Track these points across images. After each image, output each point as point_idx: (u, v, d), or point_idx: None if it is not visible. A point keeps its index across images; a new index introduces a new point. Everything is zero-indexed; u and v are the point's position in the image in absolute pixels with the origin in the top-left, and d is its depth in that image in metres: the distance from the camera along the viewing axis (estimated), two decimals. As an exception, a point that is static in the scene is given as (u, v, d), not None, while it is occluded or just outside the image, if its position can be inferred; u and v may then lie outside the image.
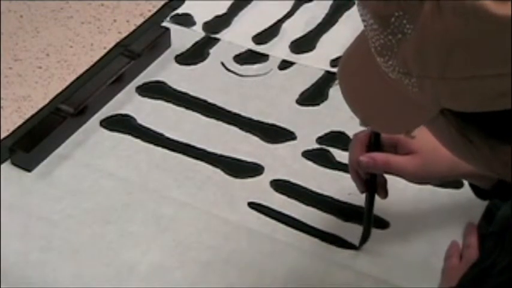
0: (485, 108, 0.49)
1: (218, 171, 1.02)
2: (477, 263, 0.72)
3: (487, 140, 0.52)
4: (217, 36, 1.22)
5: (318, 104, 1.11)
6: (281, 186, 1.00)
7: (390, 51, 0.51)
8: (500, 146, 0.52)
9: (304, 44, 1.21)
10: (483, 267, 0.66)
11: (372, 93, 0.55)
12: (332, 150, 1.04)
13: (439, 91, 0.49)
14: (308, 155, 1.04)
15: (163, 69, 1.16)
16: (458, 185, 0.99)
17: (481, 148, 0.53)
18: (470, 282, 0.68)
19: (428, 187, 0.99)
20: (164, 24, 1.23)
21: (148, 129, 1.07)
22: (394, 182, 1.00)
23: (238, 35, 1.22)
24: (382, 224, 0.95)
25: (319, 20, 1.26)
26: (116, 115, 1.09)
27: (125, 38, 1.22)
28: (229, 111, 1.10)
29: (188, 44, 1.21)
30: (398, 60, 0.50)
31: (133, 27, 1.30)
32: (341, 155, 1.03)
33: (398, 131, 0.63)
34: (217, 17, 1.26)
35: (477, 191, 0.90)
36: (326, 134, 1.07)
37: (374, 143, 0.87)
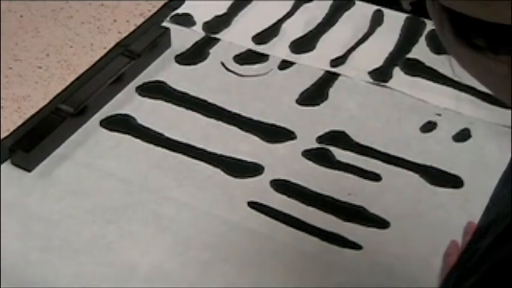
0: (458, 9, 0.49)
1: (218, 171, 1.02)
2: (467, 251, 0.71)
3: (456, 37, 0.52)
4: (217, 36, 1.22)
5: (318, 104, 1.11)
6: (281, 186, 1.00)
7: None
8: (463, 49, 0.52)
9: (304, 44, 1.21)
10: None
11: None
12: (332, 149, 1.04)
13: None
14: (308, 154, 1.04)
15: (163, 69, 1.16)
16: (458, 184, 0.99)
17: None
18: (461, 268, 0.66)
19: (428, 187, 0.99)
20: (164, 24, 1.23)
21: (148, 129, 1.07)
22: (393, 182, 1.00)
23: (238, 35, 1.22)
24: (382, 224, 0.95)
25: (319, 20, 1.25)
26: (116, 115, 1.09)
27: (125, 38, 1.22)
28: (229, 111, 1.10)
29: (188, 44, 1.21)
30: None
31: (133, 27, 1.30)
32: (341, 155, 1.03)
33: None
34: (217, 17, 1.26)
35: None
36: (326, 134, 1.07)
37: None
